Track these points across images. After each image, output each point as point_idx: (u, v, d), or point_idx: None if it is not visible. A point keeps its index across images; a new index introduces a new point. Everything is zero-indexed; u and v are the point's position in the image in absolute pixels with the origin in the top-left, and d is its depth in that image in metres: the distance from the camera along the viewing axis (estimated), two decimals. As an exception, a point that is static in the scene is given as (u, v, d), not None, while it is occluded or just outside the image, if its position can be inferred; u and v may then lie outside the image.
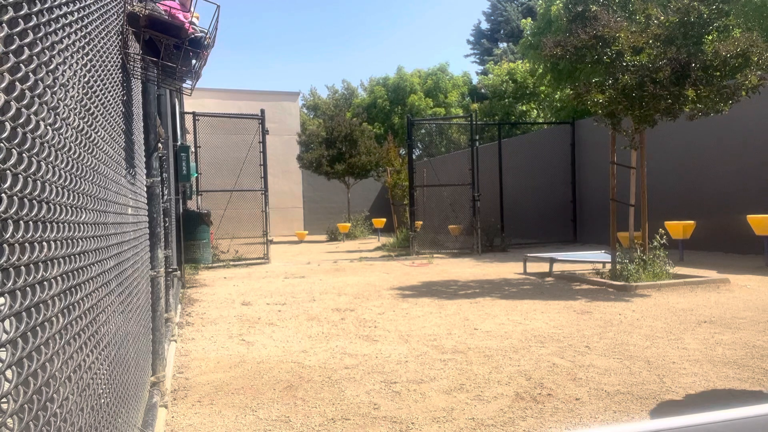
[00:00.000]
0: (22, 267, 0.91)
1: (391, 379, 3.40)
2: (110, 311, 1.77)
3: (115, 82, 2.19)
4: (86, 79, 1.56)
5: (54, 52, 1.17)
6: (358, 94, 33.18)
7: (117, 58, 2.32)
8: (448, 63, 38.91)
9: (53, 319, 1.06)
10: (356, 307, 5.96)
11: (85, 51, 1.55)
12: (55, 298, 1.09)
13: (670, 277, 6.78)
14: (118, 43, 2.38)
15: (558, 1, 14.79)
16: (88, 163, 1.52)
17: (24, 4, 0.96)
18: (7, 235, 0.86)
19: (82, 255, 1.35)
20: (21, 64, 0.93)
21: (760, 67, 6.03)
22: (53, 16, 1.16)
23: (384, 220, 19.06)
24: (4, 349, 0.82)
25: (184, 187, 8.59)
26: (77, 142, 1.39)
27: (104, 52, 1.94)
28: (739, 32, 6.48)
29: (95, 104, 1.69)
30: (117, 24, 2.36)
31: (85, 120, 1.52)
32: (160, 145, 3.61)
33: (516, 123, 20.74)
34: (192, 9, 3.11)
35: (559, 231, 14.03)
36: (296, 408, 2.97)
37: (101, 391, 1.51)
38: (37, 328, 0.96)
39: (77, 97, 1.43)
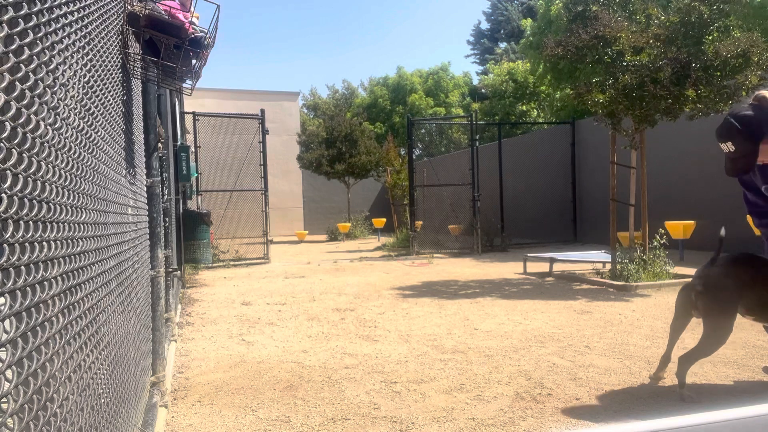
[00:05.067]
0: (22, 267, 0.91)
1: (391, 379, 3.41)
2: (110, 311, 1.77)
3: (115, 82, 2.19)
4: (86, 79, 1.56)
5: (54, 52, 1.17)
6: (358, 94, 33.17)
7: (117, 58, 2.32)
8: (449, 63, 38.93)
9: (53, 319, 1.06)
10: (356, 307, 5.96)
11: (85, 51, 1.55)
12: (55, 298, 1.09)
13: (670, 277, 6.77)
14: (118, 43, 2.38)
15: (558, 1, 14.78)
16: (88, 163, 1.52)
17: (24, 4, 0.96)
18: (7, 235, 0.86)
19: (82, 255, 1.35)
20: (21, 64, 0.93)
21: (760, 67, 6.03)
22: (53, 16, 1.16)
23: (384, 220, 19.06)
24: (4, 349, 0.82)
25: (184, 187, 8.59)
26: (77, 142, 1.39)
27: (104, 52, 1.94)
28: (740, 32, 6.48)
29: (95, 104, 1.69)
30: (117, 24, 2.36)
31: (85, 120, 1.52)
32: (160, 145, 3.61)
33: (516, 123, 20.73)
34: (192, 9, 3.11)
35: (559, 231, 14.03)
36: (296, 408, 2.97)
37: (101, 391, 1.51)
38: (37, 328, 0.96)
39: (77, 97, 1.43)
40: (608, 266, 7.65)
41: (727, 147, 2.70)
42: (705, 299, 2.98)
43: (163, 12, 2.76)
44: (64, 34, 1.27)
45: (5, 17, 0.88)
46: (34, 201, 0.98)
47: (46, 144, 1.07)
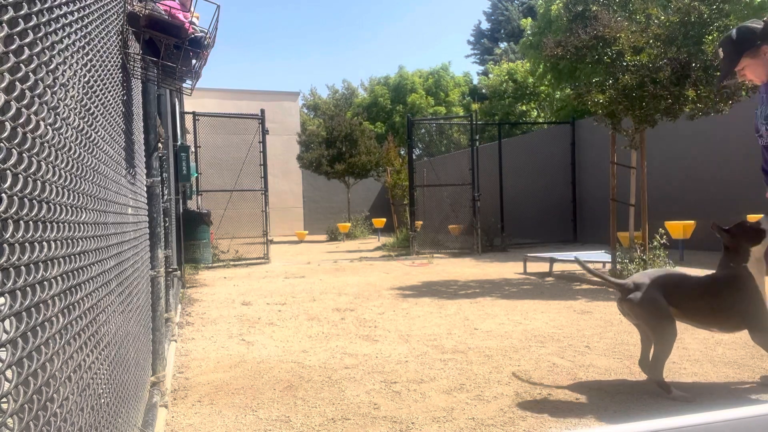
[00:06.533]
0: (22, 267, 0.91)
1: (391, 378, 3.41)
2: (110, 311, 1.77)
3: (115, 82, 2.19)
4: (86, 79, 1.56)
5: (54, 52, 1.17)
6: (358, 94, 33.18)
7: (117, 58, 2.32)
8: (449, 62, 38.94)
9: (53, 319, 1.06)
10: (356, 306, 5.96)
11: (85, 51, 1.55)
12: (55, 298, 1.09)
13: (670, 277, 6.76)
14: (118, 43, 2.38)
15: (558, 1, 14.78)
16: (89, 163, 1.52)
17: (24, 4, 0.96)
18: (7, 235, 0.85)
19: (82, 255, 1.35)
20: (21, 64, 0.93)
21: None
22: (53, 16, 1.16)
23: (384, 220, 19.06)
24: (4, 349, 0.82)
25: (184, 187, 8.59)
26: (77, 141, 1.39)
27: (104, 52, 1.94)
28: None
29: (95, 104, 1.69)
30: (117, 24, 2.36)
31: (85, 120, 1.52)
32: (160, 145, 3.61)
33: (516, 123, 20.72)
34: (192, 9, 3.11)
35: (559, 231, 14.03)
36: (296, 408, 2.97)
37: (101, 391, 1.51)
38: (37, 328, 0.96)
39: (77, 96, 1.43)
40: (608, 266, 7.65)
41: (719, 54, 2.88)
42: (625, 308, 3.12)
43: (163, 12, 2.76)
44: (64, 34, 1.27)
45: (5, 17, 0.88)
46: (34, 201, 0.98)
47: (46, 144, 1.07)
